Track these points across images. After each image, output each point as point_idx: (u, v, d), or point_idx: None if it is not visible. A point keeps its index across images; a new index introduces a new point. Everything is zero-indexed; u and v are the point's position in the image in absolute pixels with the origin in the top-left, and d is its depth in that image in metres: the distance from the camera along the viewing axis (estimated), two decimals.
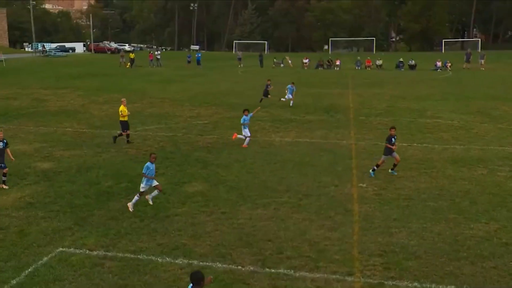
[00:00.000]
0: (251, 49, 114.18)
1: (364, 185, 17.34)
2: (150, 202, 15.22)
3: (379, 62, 66.16)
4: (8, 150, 17.50)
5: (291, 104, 33.58)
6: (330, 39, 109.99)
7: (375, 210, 15.02)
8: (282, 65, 70.37)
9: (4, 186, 17.01)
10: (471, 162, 20.19)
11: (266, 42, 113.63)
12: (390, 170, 18.57)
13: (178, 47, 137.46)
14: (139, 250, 12.38)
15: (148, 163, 14.86)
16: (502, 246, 12.63)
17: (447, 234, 13.35)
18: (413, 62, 63.66)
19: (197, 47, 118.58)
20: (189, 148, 22.64)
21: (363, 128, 26.73)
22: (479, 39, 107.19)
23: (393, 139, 18.20)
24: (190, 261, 11.78)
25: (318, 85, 45.76)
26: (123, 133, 23.43)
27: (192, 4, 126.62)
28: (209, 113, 31.72)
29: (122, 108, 23.39)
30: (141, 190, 15.03)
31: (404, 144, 23.07)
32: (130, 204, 15.01)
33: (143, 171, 14.87)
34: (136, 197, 15.07)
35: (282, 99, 33.92)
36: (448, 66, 61.50)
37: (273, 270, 11.35)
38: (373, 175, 18.19)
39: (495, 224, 14.00)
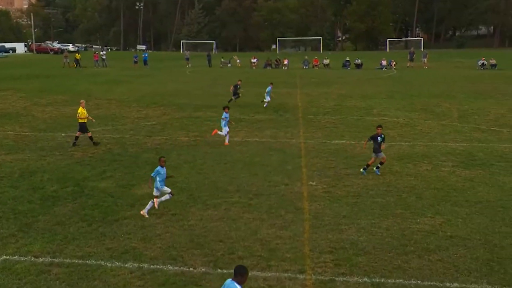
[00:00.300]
0: (199, 49, 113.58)
1: (314, 183, 17.51)
2: (156, 206, 14.63)
3: (326, 61, 67.09)
4: None
5: (264, 106, 33.49)
6: (277, 38, 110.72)
7: (325, 208, 15.19)
8: (229, 64, 70.34)
9: None
10: (416, 158, 20.74)
11: (214, 41, 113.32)
12: (374, 168, 18.69)
13: (124, 47, 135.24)
14: (87, 255, 12.07)
15: (158, 168, 14.56)
16: (447, 239, 13.02)
17: (395, 229, 13.65)
18: (359, 61, 64.87)
19: (143, 47, 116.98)
20: (137, 149, 22.28)
21: (311, 127, 27.03)
22: (422, 39, 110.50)
23: (379, 138, 18.43)
24: (141, 265, 11.57)
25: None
26: (79, 135, 22.93)
27: (138, 3, 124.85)
28: (157, 114, 31.33)
29: (80, 110, 22.90)
30: (155, 194, 14.66)
31: (352, 142, 23.47)
32: (144, 212, 14.49)
33: (152, 175, 14.57)
34: (150, 203, 14.56)
35: (264, 102, 33.63)
36: (393, 65, 63.00)
37: (225, 271, 11.29)
38: (365, 174, 18.40)
39: (440, 218, 14.41)
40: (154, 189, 14.66)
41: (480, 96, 37.46)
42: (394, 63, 63.43)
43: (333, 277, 11.06)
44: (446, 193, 16.45)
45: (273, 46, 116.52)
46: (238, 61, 71.05)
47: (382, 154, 18.52)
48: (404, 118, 29.31)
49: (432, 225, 13.88)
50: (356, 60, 65.32)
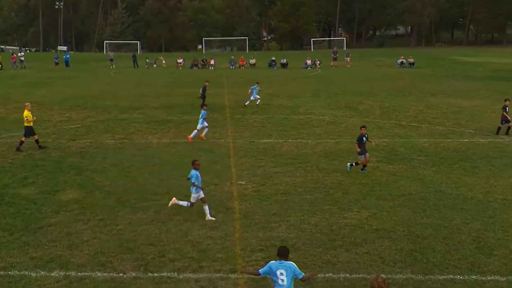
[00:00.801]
0: (123, 49, 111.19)
1: (243, 182, 17.60)
2: (181, 203, 14.71)
3: (252, 61, 67.54)
4: None
5: (257, 103, 33.57)
6: (203, 39, 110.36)
7: (255, 206, 15.31)
8: (155, 65, 69.35)
9: None
10: (342, 154, 21.30)
11: (138, 42, 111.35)
12: (361, 170, 18.82)
13: (44, 48, 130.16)
14: (9, 266, 11.54)
15: (193, 171, 14.33)
16: (373, 232, 13.46)
17: (323, 224, 13.96)
18: (285, 61, 65.76)
19: (65, 48, 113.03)
20: (60, 154, 21.52)
21: (239, 126, 27.14)
22: (344, 38, 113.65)
23: (364, 138, 18.65)
24: (67, 273, 11.20)
25: (194, 85, 45.62)
26: (24, 139, 22.13)
27: (57, 3, 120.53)
28: (81, 116, 30.39)
29: (26, 113, 21.99)
30: (192, 201, 14.55)
31: (279, 141, 23.77)
32: (209, 217, 14.32)
33: (192, 181, 14.26)
34: (206, 207, 14.43)
35: (245, 103, 33.43)
36: (318, 64, 64.35)
37: (156, 274, 11.14)
38: (349, 170, 18.72)
39: (366, 212, 14.88)
40: (192, 194, 14.50)
41: (400, 94, 38.98)
42: (318, 62, 64.80)
43: None
44: (371, 188, 17.01)
45: (199, 46, 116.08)
46: (163, 61, 70.19)
47: (367, 154, 18.76)
48: (329, 116, 30.02)
49: (359, 219, 14.32)
50: (282, 60, 66.18)
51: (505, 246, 12.61)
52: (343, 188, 16.96)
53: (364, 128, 18.91)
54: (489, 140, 23.95)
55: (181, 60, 67.85)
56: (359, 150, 18.56)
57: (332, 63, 65.29)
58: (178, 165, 19.57)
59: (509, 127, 24.96)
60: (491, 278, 10.96)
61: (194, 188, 14.36)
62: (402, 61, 63.47)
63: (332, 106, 33.78)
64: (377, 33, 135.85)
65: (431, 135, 24.90)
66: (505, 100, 25.17)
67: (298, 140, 23.87)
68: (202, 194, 14.51)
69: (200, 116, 23.90)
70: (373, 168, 19.35)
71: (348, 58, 66.05)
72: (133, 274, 11.18)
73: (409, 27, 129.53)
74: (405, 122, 28.05)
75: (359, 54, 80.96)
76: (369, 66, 65.82)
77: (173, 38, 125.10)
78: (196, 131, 23.73)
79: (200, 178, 14.49)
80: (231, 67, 66.21)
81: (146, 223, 14.01)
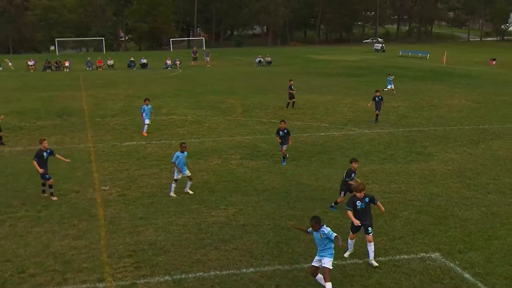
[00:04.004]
0: None
1: (107, 187, 17.05)
2: (190, 192, 16.28)
3: (110, 62, 65.53)
4: (58, 156, 16.68)
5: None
6: (56, 39, 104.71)
7: (121, 211, 14.90)
8: (0, 68, 64.56)
9: (54, 198, 15.87)
10: (207, 153, 21.47)
11: None
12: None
13: None
14: None
15: (177, 152, 16.08)
16: (240, 228, 13.75)
17: (192, 224, 13.98)
18: (144, 61, 64.68)
19: None
20: None
21: (100, 130, 26.22)
22: (203, 38, 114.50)
23: (281, 132, 19.52)
24: None
25: (48, 88, 43.25)
26: None
27: None
28: None
29: None
30: (175, 178, 16.18)
31: (143, 143, 23.37)
32: (171, 194, 16.12)
33: (172, 160, 16.13)
34: (172, 185, 16.19)
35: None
36: (178, 64, 64.16)
37: None
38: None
39: (232, 208, 15.15)
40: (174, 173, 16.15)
41: (260, 91, 40.20)
42: (178, 62, 64.63)
43: (134, 281, 10.93)
44: (236, 185, 17.35)
45: (52, 47, 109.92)
46: (10, 63, 65.53)
47: (285, 146, 19.67)
48: (192, 116, 30.09)
49: (226, 216, 14.54)
50: (141, 60, 65.04)
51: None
52: (209, 187, 17.11)
53: (283, 122, 19.98)
54: (343, 133, 25.57)
55: (32, 62, 63.78)
56: (279, 140, 19.67)
57: (192, 63, 65.50)
58: (35, 174, 18.34)
59: (376, 115, 27.86)
60: (351, 262, 11.73)
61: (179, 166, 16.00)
62: (260, 60, 65.44)
63: (194, 105, 33.89)
64: (235, 33, 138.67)
65: (290, 130, 25.95)
66: (376, 91, 28.19)
67: (162, 141, 23.64)
68: (187, 173, 16.24)
69: (142, 110, 24.73)
70: (238, 165, 19.75)
71: (208, 58, 66.67)
72: None
73: (265, 27, 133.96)
74: (266, 119, 28.99)
75: (219, 54, 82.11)
76: (229, 65, 67.02)
77: (21, 39, 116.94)
78: (145, 126, 24.76)
79: (180, 160, 16.04)
80: (88, 68, 63.66)
81: (1, 238, 13.01)
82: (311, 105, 33.34)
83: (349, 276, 11.14)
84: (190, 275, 11.18)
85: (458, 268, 11.51)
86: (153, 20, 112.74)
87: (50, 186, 16.03)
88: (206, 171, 18.91)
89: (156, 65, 64.86)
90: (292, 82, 32.58)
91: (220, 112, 31.35)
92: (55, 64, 64.97)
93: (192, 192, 16.33)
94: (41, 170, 15.80)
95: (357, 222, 11.48)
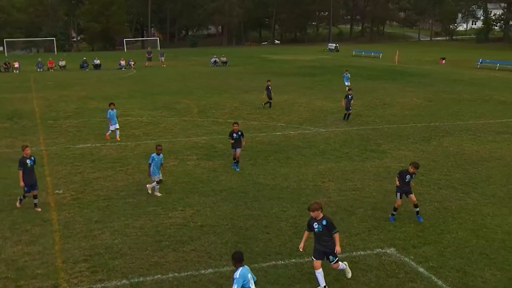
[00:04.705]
0: None
1: (61, 191, 16.68)
2: (159, 194, 16.20)
3: (62, 62, 63.99)
4: None
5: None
6: (4, 39, 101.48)
7: (75, 215, 14.61)
8: None
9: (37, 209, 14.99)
10: (163, 154, 21.21)
11: None
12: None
13: None
14: None
15: (153, 154, 15.97)
16: (198, 229, 13.69)
17: (149, 226, 13.83)
18: (97, 62, 63.50)
19: None
20: None
21: (52, 133, 25.61)
22: (158, 38, 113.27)
23: (234, 135, 18.66)
24: None
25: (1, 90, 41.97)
26: None
27: None
28: None
29: None
30: (154, 179, 16.10)
31: (97, 145, 22.96)
32: (156, 194, 16.16)
33: (149, 162, 15.99)
34: (154, 184, 16.20)
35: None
36: (132, 65, 63.27)
37: None
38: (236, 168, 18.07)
39: (190, 209, 15.07)
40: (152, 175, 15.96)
41: (216, 91, 40.10)
42: (133, 62, 63.74)
43: (91, 285, 10.74)
44: (194, 186, 17.27)
45: (0, 48, 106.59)
46: None
47: (238, 150, 18.97)
48: (147, 117, 29.75)
49: (184, 218, 14.45)
50: (94, 61, 63.83)
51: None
52: (166, 188, 16.96)
53: (236, 124, 19.03)
54: (299, 132, 25.80)
55: None
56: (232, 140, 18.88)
57: (147, 63, 64.73)
58: None
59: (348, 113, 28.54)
60: (309, 259, 11.84)
61: (153, 169, 15.90)
62: (215, 60, 65.26)
63: (149, 106, 33.51)
64: (189, 33, 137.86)
65: (247, 130, 25.99)
66: (348, 90, 28.92)
67: (117, 143, 23.28)
68: (159, 177, 16.16)
69: (108, 115, 23.83)
70: (194, 166, 19.65)
71: (162, 58, 66.03)
72: None
73: (220, 27, 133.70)
74: (222, 119, 28.94)
75: (173, 54, 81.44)
76: (184, 65, 66.57)
77: None
78: (117, 130, 23.96)
79: (157, 161, 15.97)
80: (38, 69, 62.00)
81: None
82: (267, 105, 33.47)
83: (307, 273, 11.25)
84: (148, 278, 11.06)
85: (412, 263, 11.80)
86: (105, 20, 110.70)
87: (35, 197, 15.21)
88: (162, 172, 18.69)
89: (109, 66, 63.79)
90: (269, 83, 32.45)
91: (176, 113, 31.11)
92: (4, 65, 62.97)
93: (160, 194, 16.22)
94: (21, 184, 14.83)
95: (301, 247, 10.70)
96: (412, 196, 14.09)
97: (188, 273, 11.32)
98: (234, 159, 19.26)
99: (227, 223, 14.09)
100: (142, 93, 39.80)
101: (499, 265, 11.73)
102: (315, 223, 10.36)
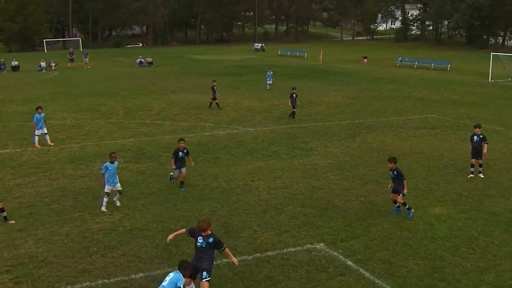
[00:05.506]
0: None
1: None
2: (118, 204, 15.24)
3: None
4: None
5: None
6: None
7: None
8: None
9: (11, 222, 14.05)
10: (89, 158, 20.69)
11: None
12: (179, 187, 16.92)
13: None
14: None
15: (106, 163, 14.86)
16: (127, 233, 13.42)
17: (75, 233, 13.41)
18: (15, 63, 60.83)
19: None
20: None
21: None
22: (80, 39, 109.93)
23: (181, 152, 16.46)
24: None
25: None
26: None
27: None
28: None
29: None
30: (106, 191, 14.91)
31: (18, 150, 22.03)
32: (102, 208, 14.93)
33: (101, 171, 14.96)
34: (104, 199, 14.95)
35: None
36: (53, 66, 61.08)
37: None
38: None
39: (118, 213, 14.75)
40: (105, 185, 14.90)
41: (142, 92, 39.42)
42: (54, 64, 61.54)
43: None
44: (122, 189, 16.86)
45: None
46: None
47: (183, 170, 16.74)
48: (71, 120, 28.82)
49: (112, 222, 14.12)
50: (12, 62, 61.08)
51: (249, 227, 13.81)
52: (93, 193, 16.50)
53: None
54: (227, 131, 25.85)
55: None
56: (174, 167, 16.63)
57: (69, 64, 62.67)
58: None
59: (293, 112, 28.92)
60: (240, 258, 11.89)
61: (107, 180, 14.91)
62: (141, 61, 64.16)
63: (73, 109, 32.46)
64: (113, 33, 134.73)
65: (175, 131, 25.79)
66: (293, 89, 29.19)
67: (39, 148, 22.40)
68: (118, 186, 15.22)
69: (35, 120, 22.86)
70: (122, 168, 19.21)
71: (86, 59, 64.13)
72: None
73: (145, 27, 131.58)
74: (149, 121, 28.51)
75: (97, 54, 79.33)
76: (109, 66, 65.01)
77: None
78: (46, 135, 22.97)
79: (110, 171, 14.90)
80: None
81: None
82: (195, 105, 33.31)
83: (239, 272, 11.30)
84: (76, 286, 10.73)
85: (341, 257, 12.12)
86: (23, 19, 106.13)
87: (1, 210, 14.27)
88: (88, 177, 18.22)
89: (29, 68, 61.24)
90: (215, 83, 32.50)
91: (101, 115, 30.32)
92: None
93: (119, 204, 15.33)
94: None
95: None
96: (399, 197, 14.46)
97: (118, 278, 11.08)
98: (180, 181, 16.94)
99: (157, 225, 13.91)
100: (64, 95, 38.50)
101: (422, 254, 12.28)
102: (200, 237, 9.97)
